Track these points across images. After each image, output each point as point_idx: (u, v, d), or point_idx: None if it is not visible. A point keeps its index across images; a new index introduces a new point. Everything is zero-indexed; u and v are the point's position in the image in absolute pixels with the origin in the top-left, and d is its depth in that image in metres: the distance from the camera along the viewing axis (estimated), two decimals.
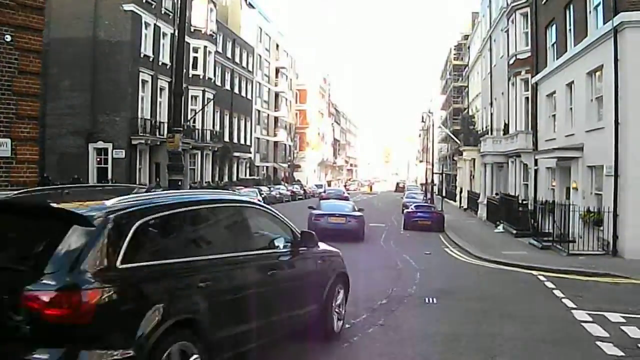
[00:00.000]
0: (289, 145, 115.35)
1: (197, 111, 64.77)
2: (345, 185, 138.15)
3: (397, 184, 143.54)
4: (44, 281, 7.55)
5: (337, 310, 12.65)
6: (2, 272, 7.75)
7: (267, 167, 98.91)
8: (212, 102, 68.11)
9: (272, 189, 74.98)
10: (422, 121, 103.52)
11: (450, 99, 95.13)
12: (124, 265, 8.06)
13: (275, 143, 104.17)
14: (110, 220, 8.12)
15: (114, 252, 7.99)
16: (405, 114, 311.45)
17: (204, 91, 67.11)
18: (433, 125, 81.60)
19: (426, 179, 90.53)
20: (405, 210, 45.83)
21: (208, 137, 69.35)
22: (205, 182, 67.56)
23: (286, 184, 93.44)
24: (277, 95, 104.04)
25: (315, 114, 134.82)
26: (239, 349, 9.62)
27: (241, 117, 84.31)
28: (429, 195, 70.42)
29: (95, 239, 7.90)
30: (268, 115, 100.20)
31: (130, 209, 8.44)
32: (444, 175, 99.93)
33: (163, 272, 8.51)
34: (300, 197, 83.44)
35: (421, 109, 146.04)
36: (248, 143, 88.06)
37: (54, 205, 8.46)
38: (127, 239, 8.18)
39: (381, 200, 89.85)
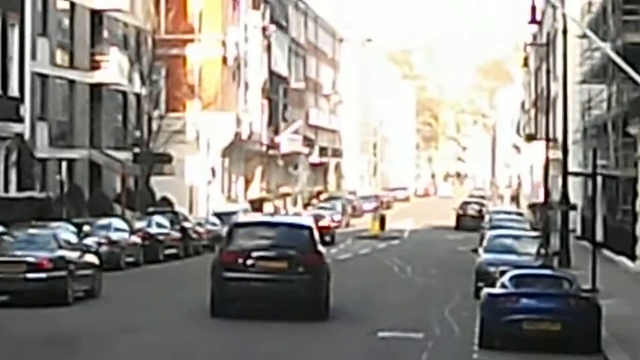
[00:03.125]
0: (138, 97, 52.42)
1: None
2: (308, 206, 72.29)
3: (464, 206, 66.37)
4: None
5: None
6: None
7: (69, 162, 45.65)
8: None
9: (83, 230, 31.61)
10: (535, 22, 38.87)
11: None
12: None
13: (95, 90, 47.97)
14: None
15: None
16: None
17: None
18: (565, 32, 35.31)
19: (546, 191, 42.77)
20: (487, 291, 18.64)
21: None
22: None
23: (132, 214, 44.38)
24: None
25: None
26: None
27: None
28: (554, 242, 36.41)
29: None
30: (72, 8, 45.83)
31: None
32: (598, 179, 32.77)
33: None
34: (172, 248, 38.25)
35: None
36: (12, 91, 39.93)
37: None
38: None
39: (414, 255, 41.91)
